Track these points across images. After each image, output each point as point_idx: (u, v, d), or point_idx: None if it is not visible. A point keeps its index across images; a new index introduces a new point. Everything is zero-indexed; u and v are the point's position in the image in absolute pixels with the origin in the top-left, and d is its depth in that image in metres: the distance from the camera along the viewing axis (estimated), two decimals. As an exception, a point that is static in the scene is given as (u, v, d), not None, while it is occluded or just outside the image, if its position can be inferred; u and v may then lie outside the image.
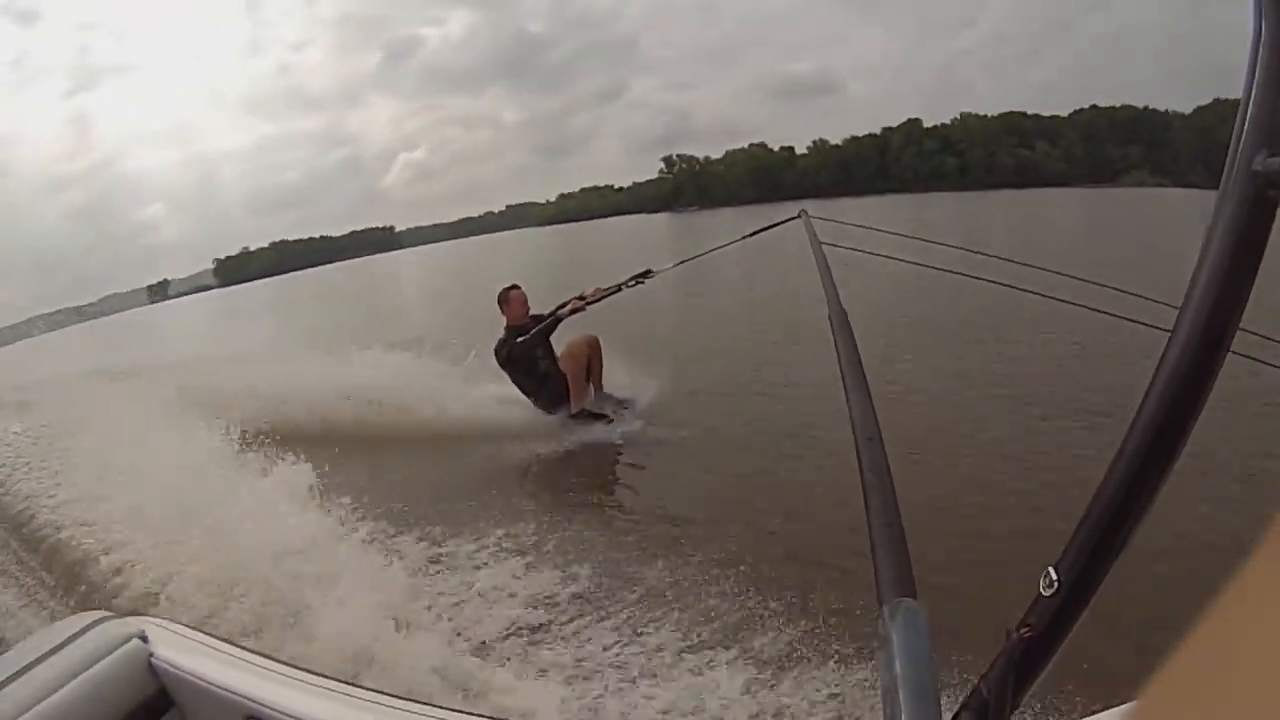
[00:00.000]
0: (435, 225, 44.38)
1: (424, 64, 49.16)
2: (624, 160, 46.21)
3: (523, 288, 6.07)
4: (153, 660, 1.36)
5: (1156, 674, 0.25)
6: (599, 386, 6.02)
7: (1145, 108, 35.46)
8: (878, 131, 41.51)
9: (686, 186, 42.59)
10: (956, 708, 0.57)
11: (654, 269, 5.87)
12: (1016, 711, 0.57)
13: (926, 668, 0.55)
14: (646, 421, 5.89)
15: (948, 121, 41.92)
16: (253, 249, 37.21)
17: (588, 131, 53.20)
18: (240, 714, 1.24)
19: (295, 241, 37.81)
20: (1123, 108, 36.13)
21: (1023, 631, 0.53)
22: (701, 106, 53.64)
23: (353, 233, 41.56)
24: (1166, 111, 34.53)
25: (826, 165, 42.43)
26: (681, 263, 6.09)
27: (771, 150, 43.59)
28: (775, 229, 4.70)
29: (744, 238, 5.51)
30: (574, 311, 5.89)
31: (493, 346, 6.04)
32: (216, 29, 56.83)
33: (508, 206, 40.23)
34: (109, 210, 44.09)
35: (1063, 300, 2.24)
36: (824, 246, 2.12)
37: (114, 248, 44.54)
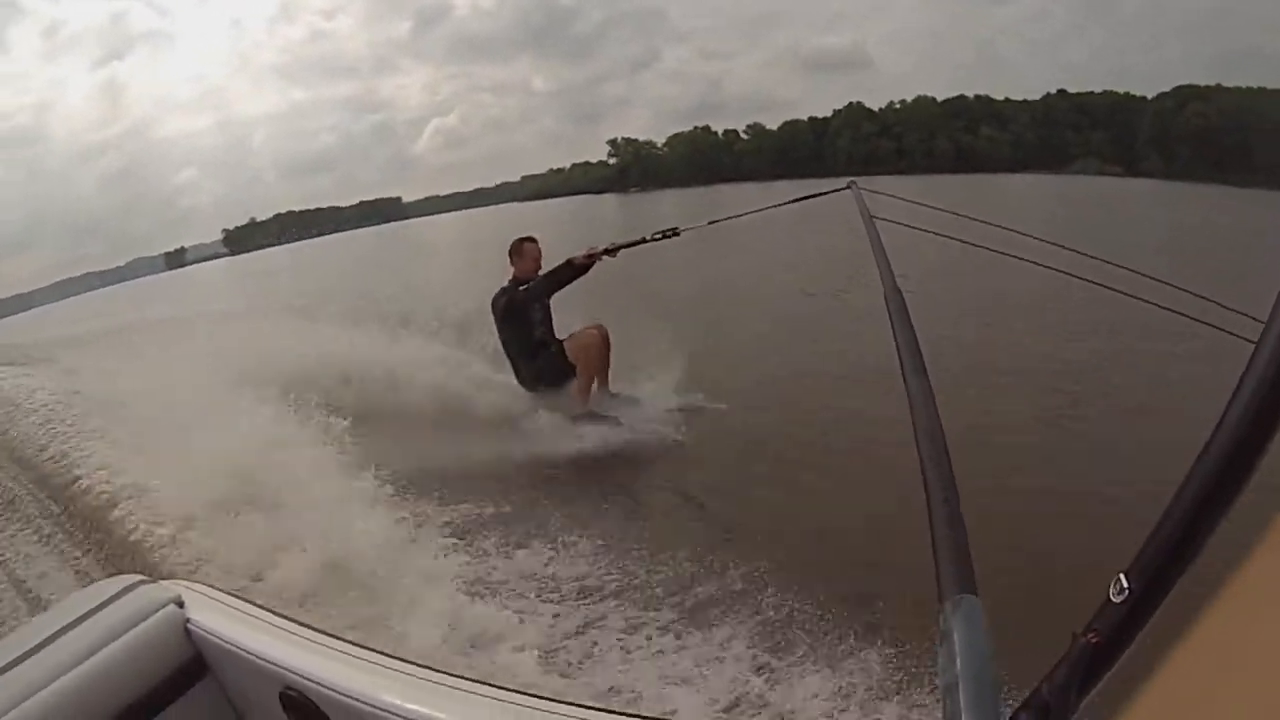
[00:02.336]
0: (428, 198, 43.44)
1: (454, 31, 48.34)
2: (656, 128, 45.51)
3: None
4: (189, 626, 1.31)
5: (1158, 671, 0.22)
6: (604, 382, 5.49)
7: (1125, 93, 34.67)
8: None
9: (631, 169, 42.53)
10: (1016, 707, 0.53)
11: (681, 226, 5.44)
12: (1075, 716, 0.54)
13: (988, 665, 0.54)
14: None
15: (896, 104, 41.23)
16: (260, 219, 36.37)
17: (619, 100, 52.36)
18: (278, 684, 1.18)
19: (302, 212, 37.10)
20: (1103, 93, 35.44)
21: (1090, 637, 0.51)
22: (733, 77, 52.83)
23: (361, 203, 40.79)
24: (1140, 97, 33.92)
25: (762, 149, 42.15)
26: (713, 222, 5.77)
27: (713, 133, 43.32)
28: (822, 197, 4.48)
29: (785, 203, 5.36)
30: (589, 260, 5.24)
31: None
32: (249, -5, 55.90)
33: (496, 185, 39.62)
34: (143, 175, 43.55)
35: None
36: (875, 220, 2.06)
37: (148, 212, 43.84)
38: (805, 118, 43.32)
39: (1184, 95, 32.78)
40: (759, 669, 2.76)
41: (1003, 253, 2.77)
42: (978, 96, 39.40)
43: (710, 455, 4.85)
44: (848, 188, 3.20)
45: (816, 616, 2.97)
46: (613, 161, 43.73)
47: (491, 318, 5.43)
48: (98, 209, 39.86)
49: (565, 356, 5.30)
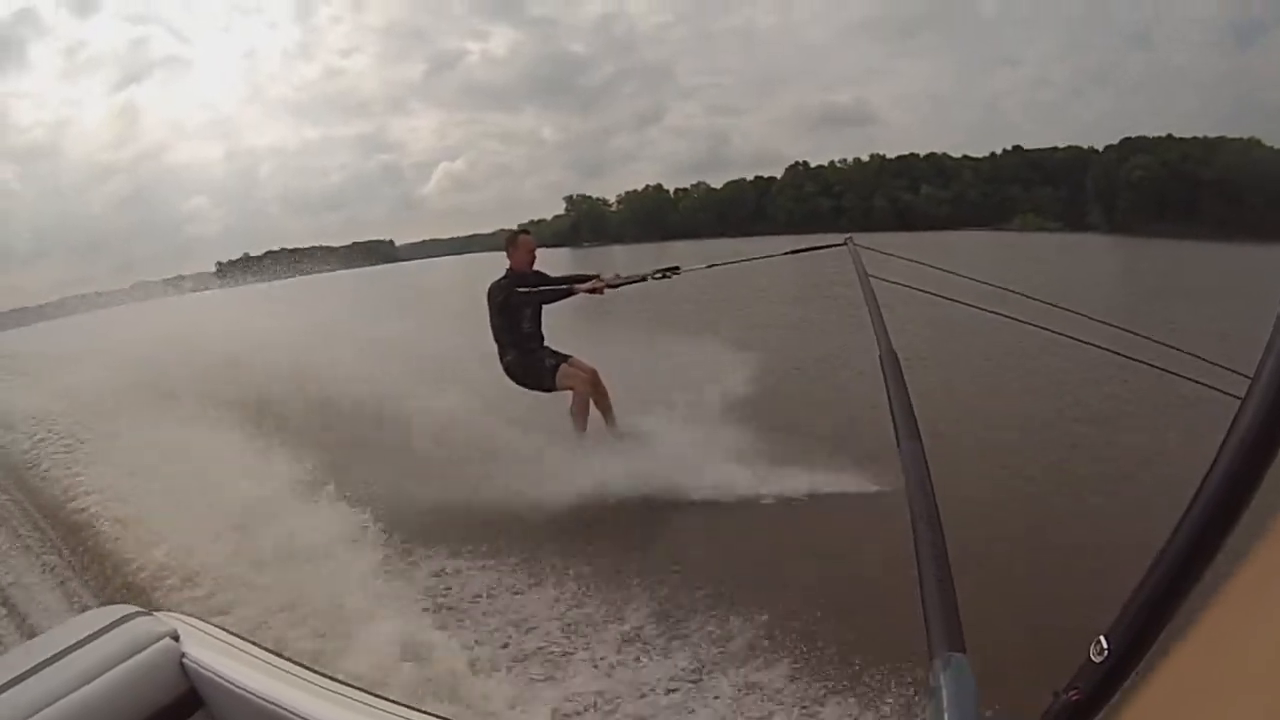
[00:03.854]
0: (420, 242, 43.59)
1: (466, 77, 48.45)
2: (663, 182, 45.93)
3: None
4: (184, 660, 1.29)
5: (1157, 671, 0.21)
6: (609, 418, 5.60)
7: (1079, 147, 35.43)
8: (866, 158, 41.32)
9: (583, 224, 43.27)
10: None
11: (682, 266, 5.65)
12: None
13: None
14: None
15: (837, 163, 42.08)
16: (254, 254, 36.26)
17: (626, 153, 52.63)
18: None
19: (294, 250, 37.05)
20: (1064, 148, 36.23)
21: (1070, 695, 0.51)
22: (739, 132, 53.34)
23: (354, 244, 40.79)
24: (1092, 150, 34.70)
25: (706, 207, 42.99)
26: (712, 266, 6.09)
27: (664, 191, 44.12)
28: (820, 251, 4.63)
29: (785, 254, 5.60)
30: (591, 290, 5.46)
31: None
32: (269, 30, 55.76)
33: (471, 235, 39.81)
34: (153, 199, 43.21)
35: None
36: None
37: (156, 236, 43.44)
38: (750, 177, 43.78)
39: (1130, 148, 33.52)
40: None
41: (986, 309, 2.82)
42: (928, 155, 40.14)
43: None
44: (844, 244, 3.22)
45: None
46: (568, 216, 44.31)
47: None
48: (106, 229, 39.47)
49: (554, 371, 5.46)
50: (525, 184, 48.56)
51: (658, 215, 42.98)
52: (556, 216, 43.67)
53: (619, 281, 5.53)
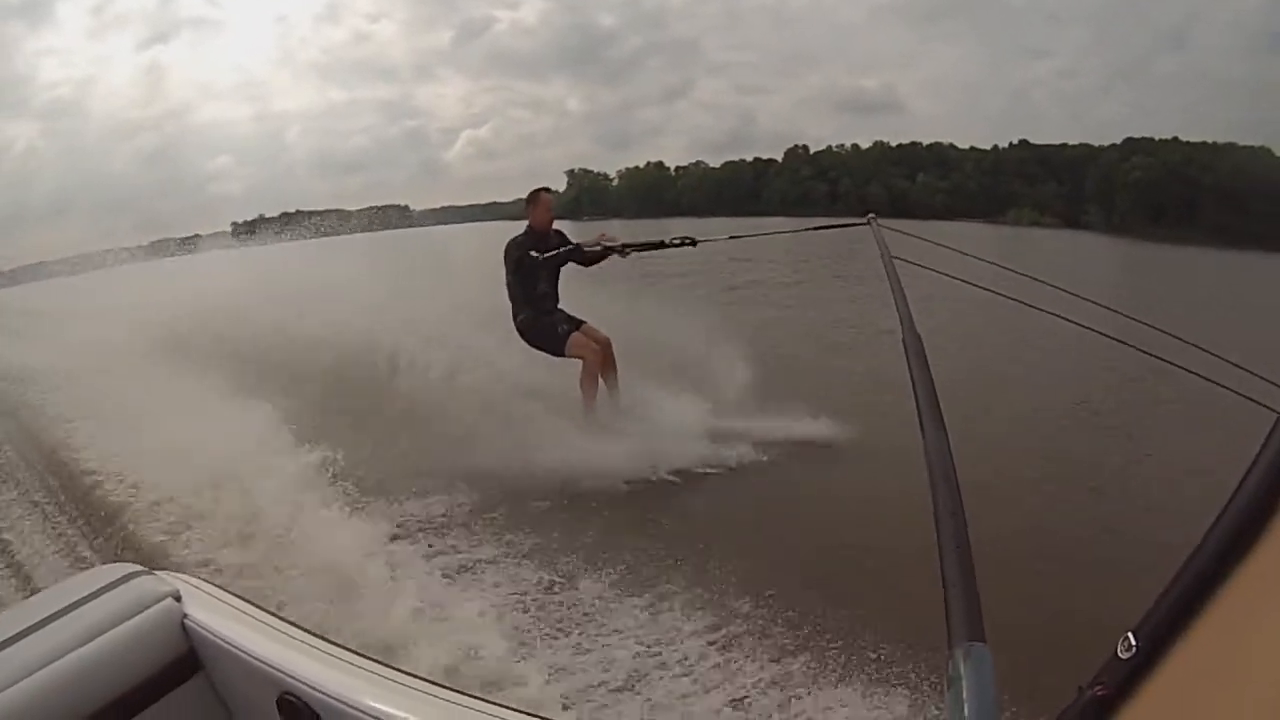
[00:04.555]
0: (436, 209, 43.16)
1: (494, 45, 47.90)
2: (687, 157, 45.25)
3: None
4: (185, 621, 1.28)
5: (1158, 670, 0.22)
6: (614, 390, 5.54)
7: (1084, 145, 35.04)
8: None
9: (584, 198, 43.20)
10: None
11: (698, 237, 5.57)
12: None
13: (993, 712, 0.53)
14: None
15: (834, 148, 41.77)
16: (269, 216, 36.04)
17: (652, 127, 51.92)
18: (275, 688, 1.15)
19: (310, 212, 36.81)
20: (1072, 145, 35.86)
21: (1097, 690, 0.51)
22: (766, 111, 52.61)
23: (370, 208, 40.45)
24: (1099, 148, 34.32)
25: (702, 186, 42.77)
26: (733, 238, 6.13)
27: (665, 169, 43.83)
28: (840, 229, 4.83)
29: (808, 229, 5.68)
30: (604, 254, 5.45)
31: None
32: (299, -7, 55.29)
33: (489, 203, 39.21)
34: (178, 157, 42.89)
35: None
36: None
37: (180, 194, 43.11)
38: (750, 159, 43.31)
39: (1131, 148, 33.21)
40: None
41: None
42: (931, 144, 39.79)
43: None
44: (867, 223, 3.17)
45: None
46: (570, 189, 44.11)
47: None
48: (130, 187, 39.23)
49: (566, 337, 5.38)
50: (549, 154, 47.90)
51: (655, 192, 42.70)
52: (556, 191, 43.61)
53: (639, 245, 5.51)
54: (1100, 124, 36.41)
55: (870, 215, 3.26)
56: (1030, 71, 46.44)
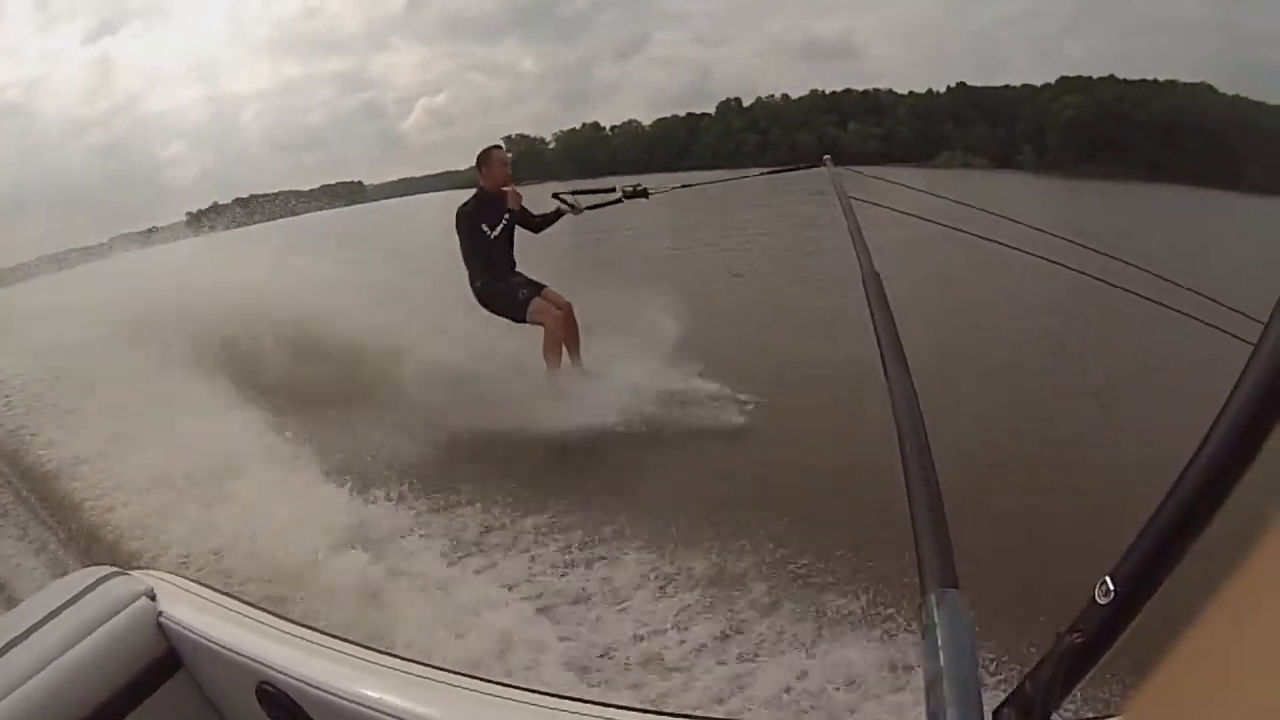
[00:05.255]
0: (389, 182, 42.29)
1: (445, 10, 46.29)
2: (646, 113, 44.29)
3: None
4: (161, 620, 1.25)
5: (1155, 672, 0.20)
6: (576, 356, 5.39)
7: (1022, 85, 35.19)
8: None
9: (521, 161, 43.23)
10: (999, 703, 0.52)
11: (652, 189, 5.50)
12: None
13: (970, 661, 0.52)
14: None
15: (764, 99, 41.67)
16: (222, 203, 34.97)
17: (609, 84, 50.79)
18: (254, 679, 1.13)
19: (262, 196, 35.84)
20: (1003, 87, 36.04)
21: (1074, 637, 0.50)
22: (724, 64, 51.59)
23: (323, 186, 39.47)
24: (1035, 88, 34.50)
25: (635, 144, 42.68)
26: (683, 186, 6.01)
27: (601, 129, 43.54)
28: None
29: (761, 174, 5.82)
30: (558, 214, 5.35)
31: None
32: (245, -30, 52.53)
33: (442, 173, 38.52)
34: (131, 148, 41.04)
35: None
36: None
37: (136, 185, 41.31)
38: (683, 113, 43.24)
39: (1065, 86, 33.45)
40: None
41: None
42: (864, 91, 39.83)
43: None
44: (823, 165, 3.16)
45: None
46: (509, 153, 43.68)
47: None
48: (85, 183, 37.68)
49: (527, 303, 5.20)
50: (506, 117, 47.13)
51: (590, 152, 42.47)
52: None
53: (595, 203, 5.40)
54: (1069, 65, 36.39)
55: (826, 156, 3.26)
56: (995, 9, 46.06)
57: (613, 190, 5.42)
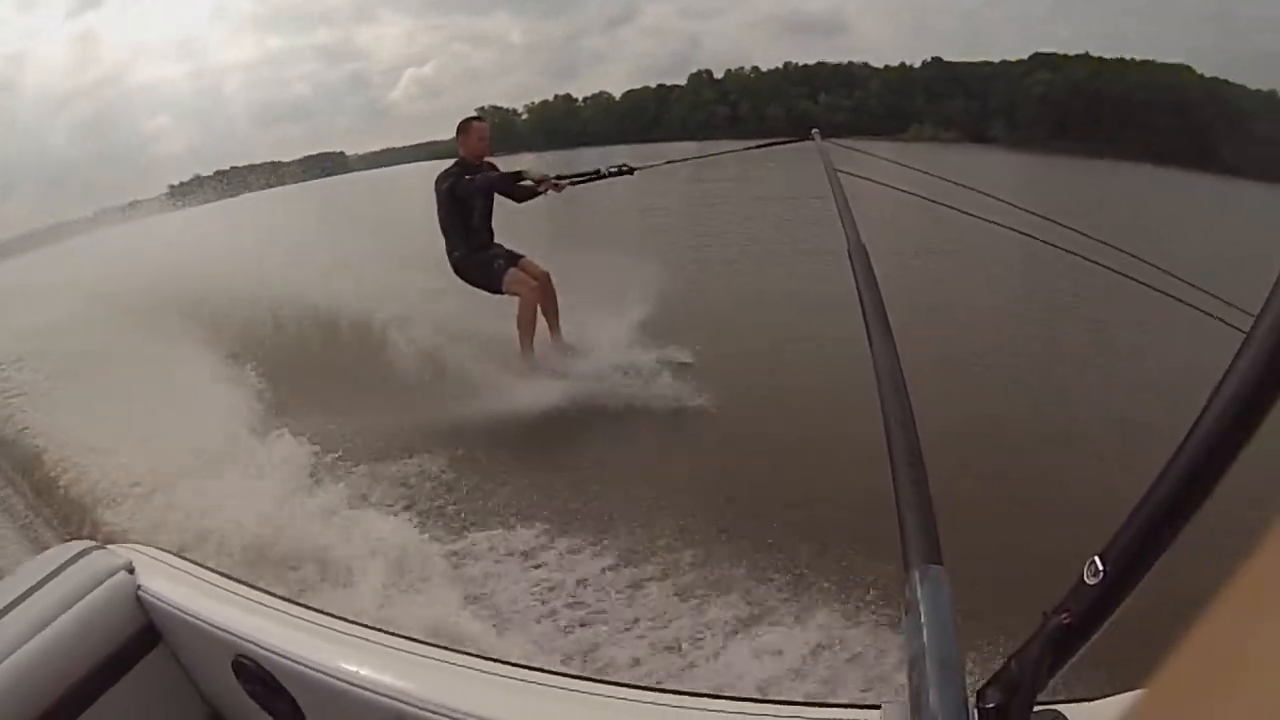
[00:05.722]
0: (371, 153, 41.71)
1: None
2: (633, 85, 43.69)
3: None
4: (140, 593, 1.23)
5: (1163, 666, 0.22)
6: (555, 330, 5.25)
7: (999, 61, 35.17)
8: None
9: (494, 133, 42.78)
10: (983, 681, 0.51)
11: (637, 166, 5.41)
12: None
13: (952, 637, 0.51)
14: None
15: (733, 70, 41.29)
16: (204, 175, 34.33)
17: (597, 55, 50.11)
18: (230, 652, 1.13)
19: (244, 168, 35.14)
20: (980, 62, 35.99)
21: (1062, 617, 0.49)
22: (712, 36, 50.81)
23: (305, 157, 38.80)
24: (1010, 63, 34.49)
25: (606, 116, 42.45)
26: (669, 162, 5.96)
27: (574, 101, 43.24)
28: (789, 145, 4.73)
29: (747, 148, 5.57)
30: (540, 186, 5.11)
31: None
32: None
33: (426, 143, 38.01)
34: (116, 123, 39.80)
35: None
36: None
37: (121, 160, 40.09)
38: (654, 85, 42.87)
39: (1037, 62, 33.50)
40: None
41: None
42: (835, 64, 39.66)
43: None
44: (811, 139, 3.13)
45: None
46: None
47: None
48: (69, 158, 36.63)
49: (503, 274, 5.05)
50: (493, 88, 46.67)
51: (562, 124, 42.16)
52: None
53: (576, 179, 5.23)
54: (1056, 46, 36.35)
55: (814, 130, 3.24)
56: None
57: (598, 171, 5.25)
